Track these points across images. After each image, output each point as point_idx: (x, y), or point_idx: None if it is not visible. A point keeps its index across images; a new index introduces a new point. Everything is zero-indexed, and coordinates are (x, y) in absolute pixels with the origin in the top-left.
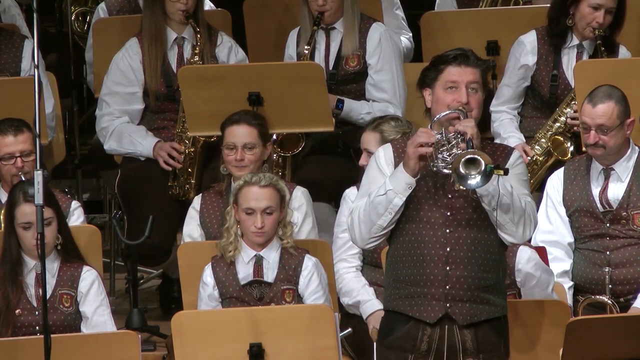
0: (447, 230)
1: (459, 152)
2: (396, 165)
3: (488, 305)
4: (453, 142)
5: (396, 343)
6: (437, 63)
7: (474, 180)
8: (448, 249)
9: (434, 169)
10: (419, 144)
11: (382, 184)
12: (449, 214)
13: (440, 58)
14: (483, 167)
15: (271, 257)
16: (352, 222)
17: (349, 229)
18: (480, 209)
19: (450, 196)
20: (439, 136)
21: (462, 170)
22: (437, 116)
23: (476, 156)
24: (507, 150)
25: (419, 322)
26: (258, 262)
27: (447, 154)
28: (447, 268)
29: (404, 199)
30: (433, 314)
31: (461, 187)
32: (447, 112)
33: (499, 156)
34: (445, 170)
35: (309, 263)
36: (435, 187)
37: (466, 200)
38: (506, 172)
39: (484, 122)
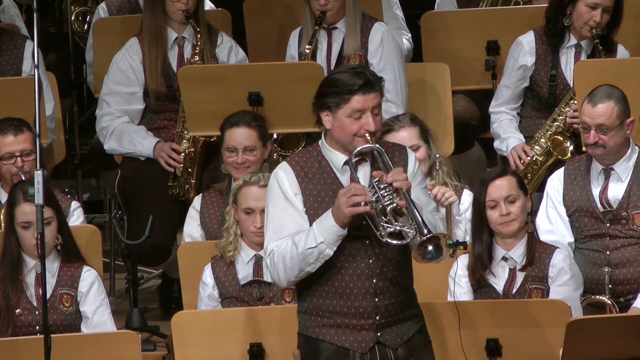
0: (370, 261)
1: (416, 239)
2: (303, 192)
3: (412, 320)
4: (387, 197)
5: None
6: (340, 92)
7: (428, 252)
8: (374, 281)
9: (383, 239)
10: (354, 203)
11: (310, 234)
12: (368, 242)
13: (343, 86)
14: (438, 243)
15: None
16: (274, 265)
17: (268, 269)
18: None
19: (365, 223)
20: (371, 191)
21: (420, 249)
22: (352, 152)
23: (435, 236)
24: (405, 154)
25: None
26: (258, 262)
27: (385, 207)
28: (376, 299)
29: (335, 248)
30: (364, 345)
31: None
32: (360, 147)
33: (397, 161)
34: (394, 242)
35: None
36: (353, 218)
37: None
38: (465, 247)
39: (484, 122)
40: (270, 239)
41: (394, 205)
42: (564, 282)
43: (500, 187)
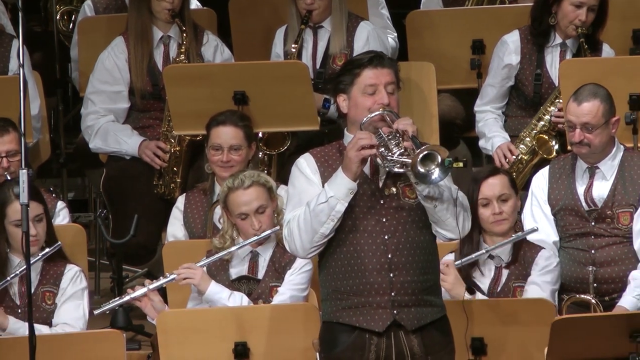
0: (386, 237)
1: (418, 150)
2: (321, 174)
3: (431, 307)
4: (393, 142)
5: (344, 355)
6: (352, 67)
7: (434, 175)
8: (389, 256)
9: (387, 169)
10: (361, 146)
11: (322, 192)
12: (384, 219)
13: (354, 62)
14: (440, 160)
15: (267, 253)
16: (290, 232)
17: (286, 239)
18: (414, 211)
19: (382, 201)
20: (380, 142)
21: (420, 168)
22: (363, 120)
23: (434, 151)
24: None
25: (365, 332)
26: (254, 259)
27: (393, 152)
28: (391, 275)
29: (346, 204)
30: (381, 323)
31: (418, 184)
32: (372, 114)
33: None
34: (398, 169)
35: (301, 261)
36: (368, 194)
37: (399, 204)
38: (465, 164)
39: (469, 122)
40: (288, 213)
41: (401, 150)
42: (541, 272)
43: (494, 186)
